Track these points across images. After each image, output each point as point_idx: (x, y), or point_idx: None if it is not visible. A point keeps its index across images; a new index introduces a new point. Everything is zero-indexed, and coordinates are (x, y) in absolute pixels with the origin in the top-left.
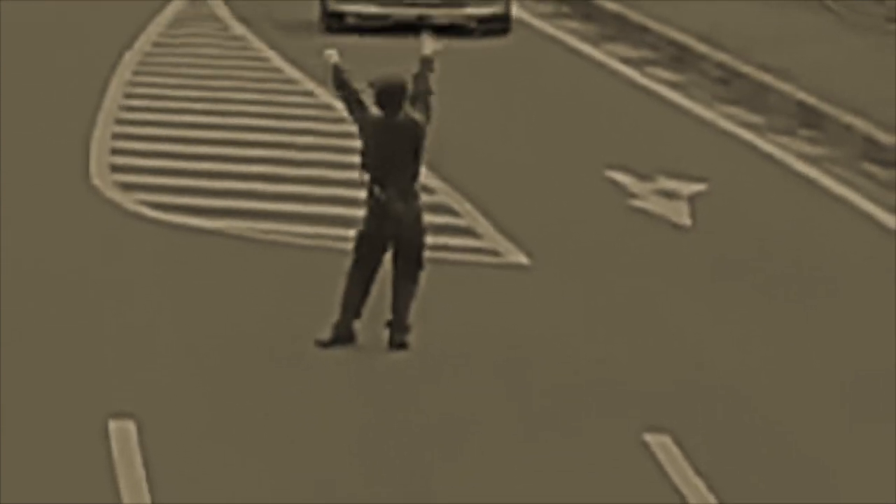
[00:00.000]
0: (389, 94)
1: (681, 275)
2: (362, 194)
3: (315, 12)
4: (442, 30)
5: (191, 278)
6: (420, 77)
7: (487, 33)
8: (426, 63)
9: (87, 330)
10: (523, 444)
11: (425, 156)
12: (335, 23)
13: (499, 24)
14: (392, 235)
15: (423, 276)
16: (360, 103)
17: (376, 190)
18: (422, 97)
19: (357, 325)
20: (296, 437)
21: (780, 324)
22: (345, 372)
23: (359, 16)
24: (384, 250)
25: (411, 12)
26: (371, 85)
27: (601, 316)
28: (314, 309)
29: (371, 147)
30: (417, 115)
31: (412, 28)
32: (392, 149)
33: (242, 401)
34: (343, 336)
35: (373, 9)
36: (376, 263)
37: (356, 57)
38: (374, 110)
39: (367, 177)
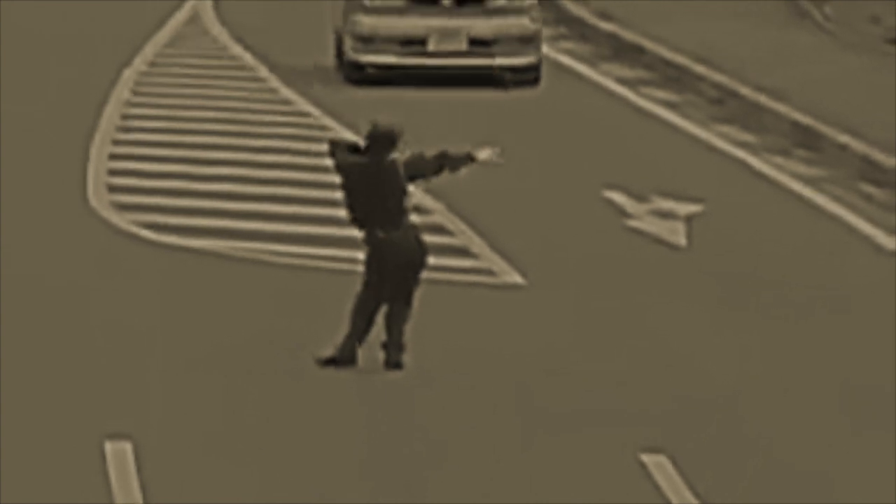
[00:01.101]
0: (379, 139)
1: (677, 295)
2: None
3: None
4: (469, 81)
5: (187, 298)
6: (445, 159)
7: (517, 84)
8: (465, 159)
9: (84, 350)
10: (519, 465)
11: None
12: (354, 73)
13: (529, 75)
14: (396, 263)
15: (417, 296)
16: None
17: (369, 229)
18: (423, 168)
19: (359, 350)
20: (293, 457)
21: (778, 343)
22: (341, 391)
23: (379, 66)
24: (391, 278)
25: (435, 63)
26: (370, 126)
27: (596, 335)
28: (309, 328)
29: (355, 190)
30: (395, 159)
31: (436, 80)
32: (377, 190)
33: (239, 421)
34: (345, 358)
35: (393, 59)
36: (383, 291)
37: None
38: (356, 156)
39: (355, 217)
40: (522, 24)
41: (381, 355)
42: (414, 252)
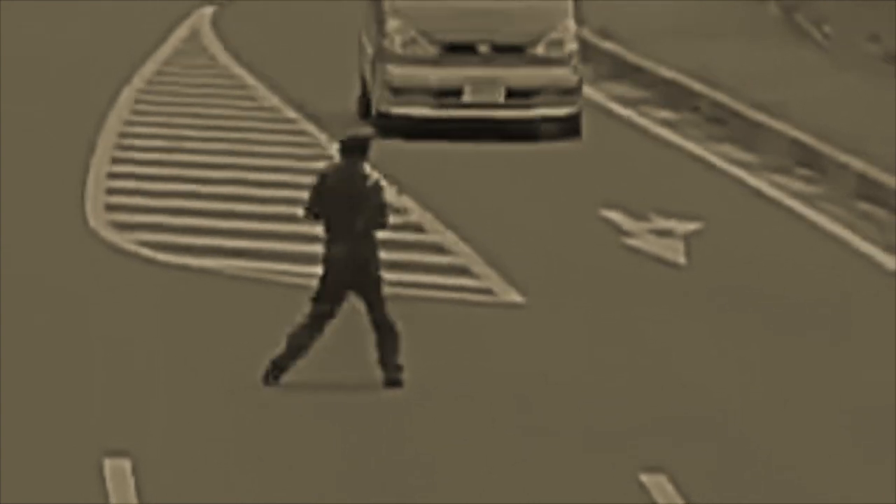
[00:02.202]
0: (352, 145)
1: (677, 313)
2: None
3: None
4: (506, 134)
5: (186, 316)
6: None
7: (556, 137)
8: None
9: (82, 368)
10: (517, 483)
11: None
12: (385, 124)
13: (569, 125)
14: (349, 283)
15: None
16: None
17: (337, 246)
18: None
19: (292, 367)
20: (292, 474)
21: (778, 361)
22: (338, 409)
23: (411, 118)
24: (342, 299)
25: (471, 115)
26: (340, 142)
27: (596, 354)
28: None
29: (326, 195)
30: (375, 174)
31: (471, 133)
32: (346, 198)
33: (238, 438)
34: (276, 374)
35: (427, 111)
36: (333, 310)
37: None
38: (336, 161)
39: (321, 227)
40: (563, 74)
41: (378, 373)
42: (361, 270)
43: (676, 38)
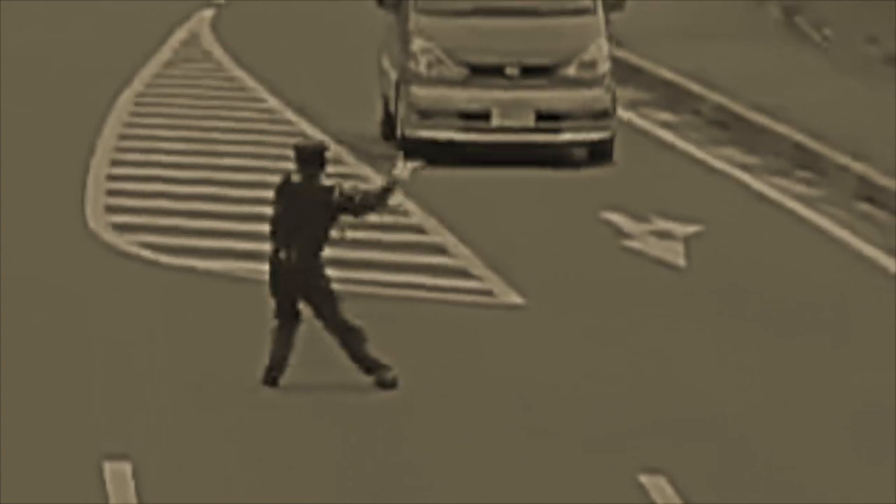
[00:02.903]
0: (306, 158)
1: (677, 315)
2: (361, 235)
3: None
4: (535, 159)
5: (186, 318)
6: (370, 197)
7: (588, 162)
8: (384, 192)
9: (82, 370)
10: (517, 485)
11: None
12: (412, 148)
13: (601, 150)
14: (287, 288)
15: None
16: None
17: (281, 252)
18: (356, 204)
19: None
20: (292, 477)
21: (778, 364)
22: (337, 410)
23: (439, 143)
24: (294, 306)
25: (499, 139)
26: (293, 148)
27: (596, 355)
28: (309, 349)
29: (283, 210)
30: (333, 185)
31: (500, 158)
32: (304, 213)
33: (238, 441)
34: (268, 381)
35: (453, 134)
36: (291, 320)
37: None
38: (294, 175)
39: (274, 233)
40: (595, 96)
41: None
42: (307, 283)
43: (676, 39)
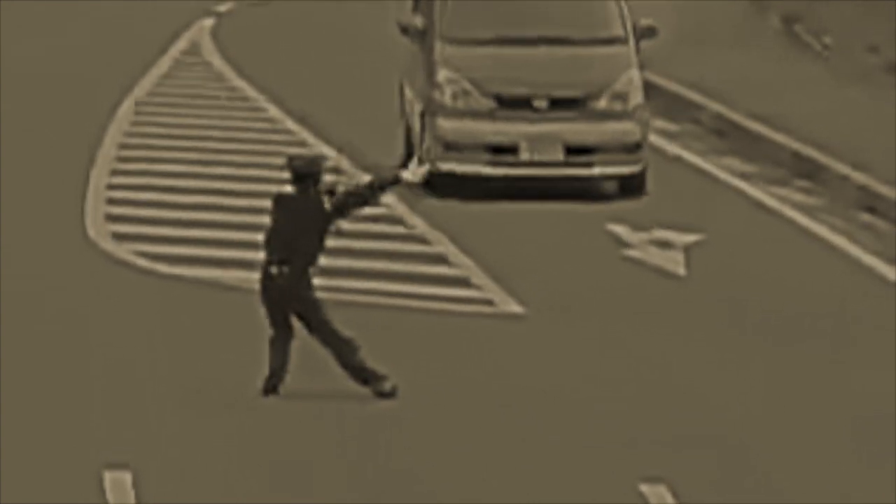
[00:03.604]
0: (303, 176)
1: (677, 324)
2: (364, 245)
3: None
4: (565, 194)
5: (185, 327)
6: (372, 188)
7: (618, 196)
8: (389, 183)
9: (82, 379)
10: (517, 494)
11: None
12: (440, 182)
13: (633, 184)
14: (288, 307)
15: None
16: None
17: (273, 267)
18: (348, 204)
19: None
20: (291, 483)
21: (778, 372)
22: (337, 418)
23: (465, 177)
24: (288, 320)
25: (527, 173)
26: (289, 160)
27: (596, 365)
28: (306, 357)
29: (278, 223)
30: (325, 200)
31: (528, 193)
32: (300, 225)
33: (238, 449)
34: (267, 388)
35: (480, 168)
36: (285, 331)
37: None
38: (288, 188)
39: (270, 248)
40: (626, 129)
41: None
42: (295, 296)
43: (676, 48)
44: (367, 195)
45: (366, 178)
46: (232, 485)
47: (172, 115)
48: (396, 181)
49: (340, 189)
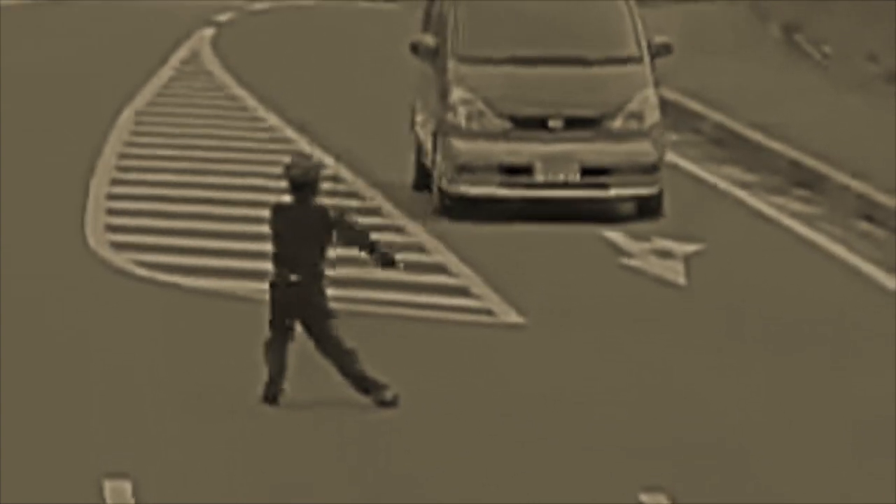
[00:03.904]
0: (302, 184)
1: (677, 333)
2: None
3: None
4: (581, 215)
5: (186, 337)
6: (371, 246)
7: (635, 217)
8: (383, 256)
9: (82, 389)
10: (517, 502)
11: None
12: (452, 204)
13: (650, 205)
14: (289, 308)
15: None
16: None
17: (282, 274)
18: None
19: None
20: (291, 491)
21: (778, 381)
22: (337, 425)
23: (479, 199)
24: (291, 326)
25: (542, 195)
26: (286, 169)
27: (596, 375)
28: (305, 366)
29: (280, 233)
30: (329, 206)
31: (543, 214)
32: (301, 234)
33: (239, 458)
34: (267, 397)
35: (494, 190)
36: (284, 335)
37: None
38: (287, 197)
39: (276, 255)
40: (642, 150)
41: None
42: (306, 303)
43: (676, 57)
44: (361, 246)
45: (372, 234)
46: (232, 493)
47: (172, 124)
48: (384, 258)
49: (349, 218)
